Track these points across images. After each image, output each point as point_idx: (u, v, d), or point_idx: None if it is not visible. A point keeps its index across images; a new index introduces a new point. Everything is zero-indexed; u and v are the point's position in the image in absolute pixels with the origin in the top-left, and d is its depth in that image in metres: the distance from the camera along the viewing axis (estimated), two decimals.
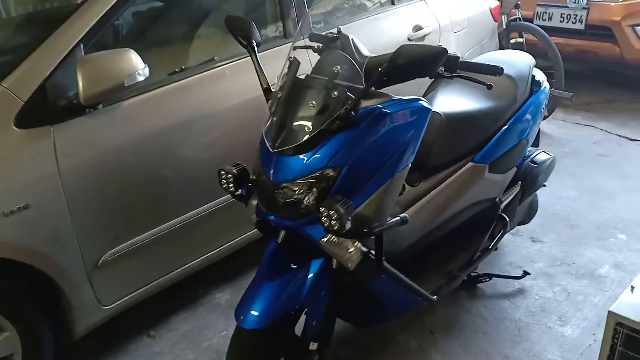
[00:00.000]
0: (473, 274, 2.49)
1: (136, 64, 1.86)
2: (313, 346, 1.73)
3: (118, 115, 1.97)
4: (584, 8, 4.51)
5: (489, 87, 1.66)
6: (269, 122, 1.65)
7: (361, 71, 1.66)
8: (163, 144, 2.09)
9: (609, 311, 1.73)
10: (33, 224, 1.78)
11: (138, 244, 2.08)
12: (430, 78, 1.87)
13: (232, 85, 2.32)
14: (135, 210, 2.06)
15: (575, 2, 4.52)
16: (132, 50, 1.87)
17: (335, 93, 1.53)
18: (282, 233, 1.71)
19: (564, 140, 4.09)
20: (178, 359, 2.22)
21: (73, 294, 1.93)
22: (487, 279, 2.51)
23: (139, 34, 2.57)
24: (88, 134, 1.89)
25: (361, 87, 1.57)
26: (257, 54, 1.82)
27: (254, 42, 1.81)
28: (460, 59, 1.67)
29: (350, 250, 1.60)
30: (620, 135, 4.13)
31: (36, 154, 1.78)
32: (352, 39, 1.86)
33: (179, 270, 2.28)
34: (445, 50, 1.47)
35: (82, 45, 1.89)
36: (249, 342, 1.64)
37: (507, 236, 2.66)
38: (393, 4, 3.13)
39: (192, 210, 2.23)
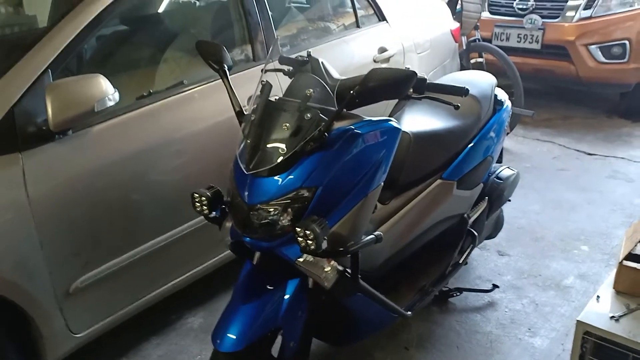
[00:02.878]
0: (444, 289, 2.53)
1: (106, 89, 1.86)
2: None
3: (88, 140, 1.96)
4: (539, 29, 4.67)
5: (457, 107, 1.72)
6: (242, 145, 1.67)
7: (333, 94, 1.69)
8: (134, 168, 2.08)
9: (577, 320, 1.79)
10: (1, 252, 1.74)
11: (110, 269, 2.05)
12: (399, 100, 1.92)
13: (202, 109, 2.32)
14: (106, 235, 2.04)
15: (531, 23, 4.68)
16: (102, 76, 1.87)
17: (309, 115, 1.55)
18: (257, 254, 1.72)
19: (525, 156, 4.22)
20: None
21: (43, 322, 1.88)
22: (458, 293, 2.56)
23: (104, 59, 2.55)
24: (58, 160, 1.87)
25: (334, 109, 1.61)
26: (229, 78, 1.84)
27: (226, 66, 1.83)
28: (428, 81, 1.73)
29: (326, 270, 1.61)
30: (578, 150, 4.28)
31: (5, 181, 1.75)
32: (322, 62, 1.90)
33: (151, 295, 2.25)
34: (415, 73, 1.51)
35: (50, 71, 1.88)
36: None
37: (475, 250, 2.72)
38: (358, 26, 3.19)
39: (163, 234, 2.21)
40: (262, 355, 1.75)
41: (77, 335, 2.02)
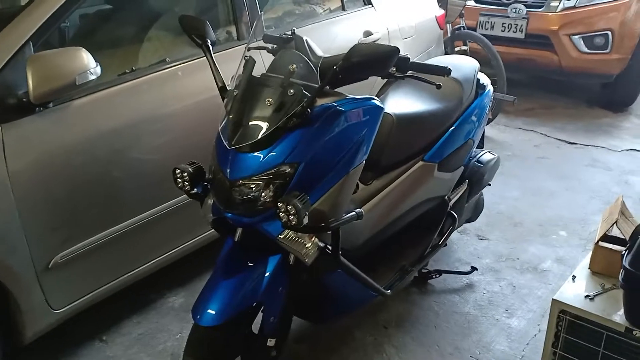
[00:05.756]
0: (424, 271, 2.56)
1: (88, 62, 1.83)
2: (271, 342, 1.76)
3: (69, 114, 1.94)
4: (523, 18, 4.69)
5: (438, 86, 1.73)
6: (225, 120, 1.66)
7: (316, 71, 1.70)
8: (115, 144, 2.06)
9: (552, 299, 1.82)
10: None
11: (90, 245, 2.04)
12: (383, 78, 1.93)
13: (184, 87, 2.31)
14: (87, 211, 2.02)
15: (515, 12, 4.70)
16: (84, 49, 1.85)
17: (292, 91, 1.56)
18: (239, 231, 1.73)
19: (507, 144, 4.26)
20: None
21: (22, 297, 1.87)
22: (437, 275, 2.59)
23: (86, 36, 2.51)
24: (38, 133, 1.85)
25: (317, 85, 1.61)
26: (212, 53, 1.83)
27: (209, 41, 1.82)
28: (410, 60, 1.74)
29: (307, 246, 1.63)
30: (559, 139, 4.33)
31: None
32: (306, 40, 1.90)
33: (132, 273, 2.24)
34: (397, 49, 1.52)
35: (31, 43, 1.85)
36: (206, 340, 1.64)
37: (455, 234, 2.76)
38: (343, 9, 3.19)
39: (144, 212, 2.20)
40: (243, 331, 1.76)
41: (56, 311, 2.01)
